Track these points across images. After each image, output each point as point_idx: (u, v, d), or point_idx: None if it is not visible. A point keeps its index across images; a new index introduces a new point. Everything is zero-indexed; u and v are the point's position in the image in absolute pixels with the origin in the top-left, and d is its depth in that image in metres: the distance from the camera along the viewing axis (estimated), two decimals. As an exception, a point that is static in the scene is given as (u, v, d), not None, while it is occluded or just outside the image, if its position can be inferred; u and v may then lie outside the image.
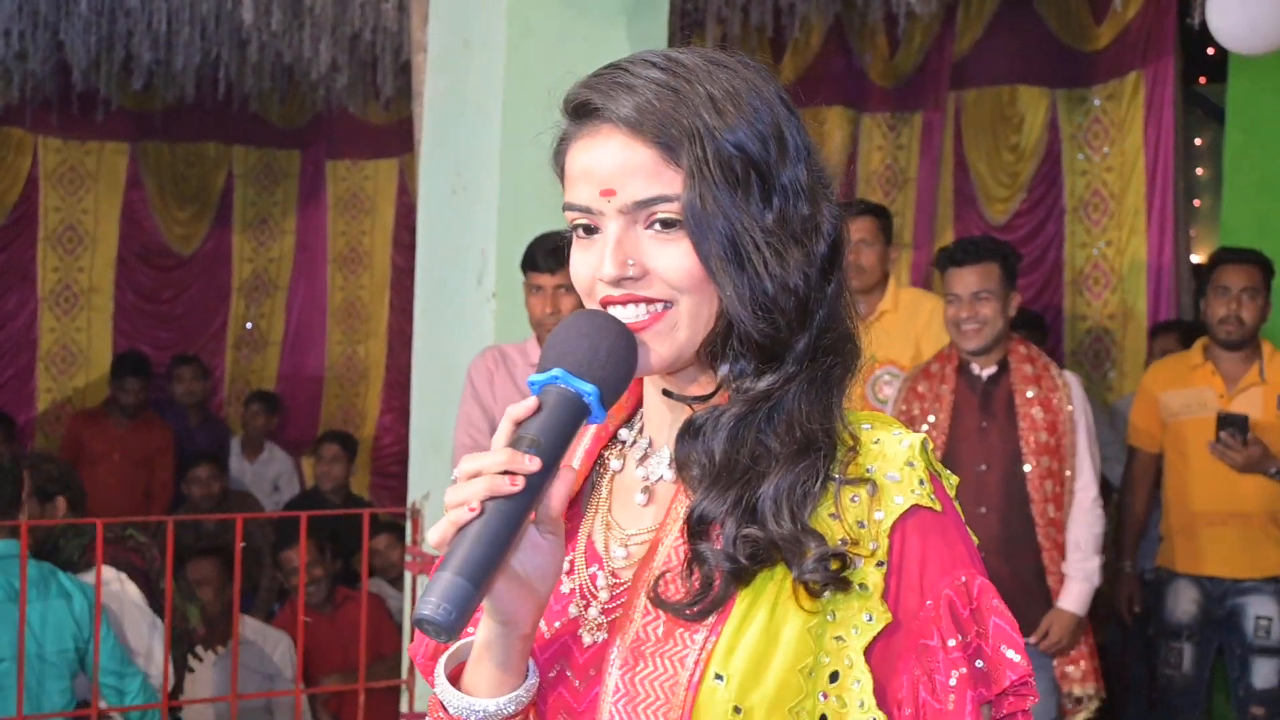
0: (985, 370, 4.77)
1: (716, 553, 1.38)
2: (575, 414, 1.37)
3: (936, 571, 1.39)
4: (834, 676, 1.36)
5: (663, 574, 1.42)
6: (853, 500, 1.40)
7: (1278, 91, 6.96)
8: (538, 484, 1.33)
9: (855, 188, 8.91)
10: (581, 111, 1.45)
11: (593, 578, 1.50)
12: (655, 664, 1.39)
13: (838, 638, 1.37)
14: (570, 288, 4.63)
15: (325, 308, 10.77)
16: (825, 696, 1.36)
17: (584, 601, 1.50)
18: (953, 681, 1.37)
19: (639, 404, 1.59)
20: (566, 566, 1.51)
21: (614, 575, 1.50)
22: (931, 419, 4.71)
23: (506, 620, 1.39)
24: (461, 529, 1.31)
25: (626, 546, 1.50)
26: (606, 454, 1.58)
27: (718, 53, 1.48)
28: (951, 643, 1.37)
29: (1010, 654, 1.40)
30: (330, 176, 10.70)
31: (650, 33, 4.87)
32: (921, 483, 1.41)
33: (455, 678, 1.47)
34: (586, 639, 1.47)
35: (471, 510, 1.30)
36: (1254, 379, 5.41)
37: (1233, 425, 5.19)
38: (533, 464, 1.32)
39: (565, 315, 4.66)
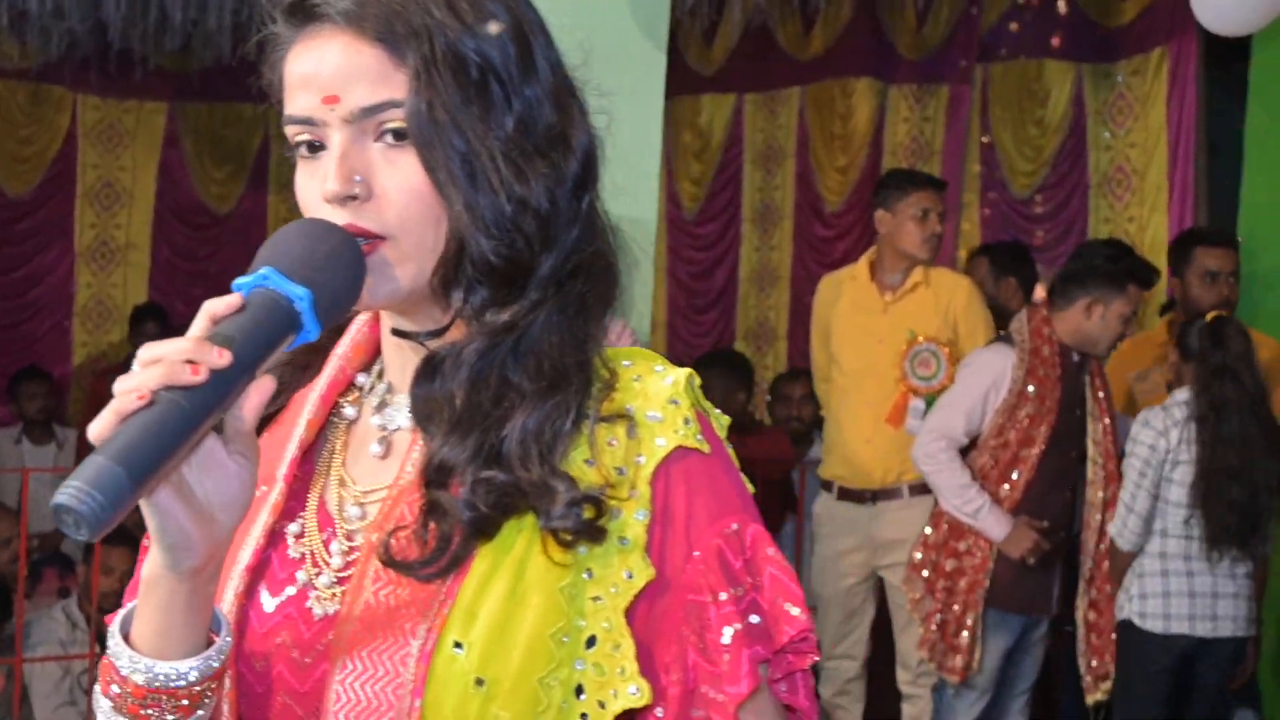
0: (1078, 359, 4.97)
1: (455, 501, 1.23)
2: (281, 318, 1.19)
3: (705, 520, 1.25)
4: (591, 641, 1.22)
5: (395, 531, 1.26)
6: (610, 444, 1.26)
7: (1298, 70, 6.93)
8: (226, 386, 1.14)
9: (881, 159, 8.95)
10: (297, 11, 1.29)
11: (326, 542, 1.34)
12: (386, 636, 1.24)
13: (595, 598, 1.23)
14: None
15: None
16: (582, 664, 1.23)
17: (315, 569, 1.33)
18: (726, 640, 1.23)
19: (379, 348, 1.41)
20: (297, 530, 1.35)
21: (349, 539, 1.33)
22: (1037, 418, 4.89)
23: (175, 545, 1.18)
24: (126, 419, 1.10)
25: (362, 505, 1.34)
26: (342, 402, 1.41)
27: None
28: (723, 596, 1.24)
29: (788, 607, 1.25)
30: (369, 137, 10.78)
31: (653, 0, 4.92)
32: (687, 422, 1.27)
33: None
34: (316, 611, 1.30)
35: (140, 399, 1.10)
36: None
37: None
38: (221, 358, 1.13)
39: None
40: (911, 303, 5.42)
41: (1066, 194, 8.31)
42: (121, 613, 1.26)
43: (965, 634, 4.89)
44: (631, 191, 4.93)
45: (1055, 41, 8.24)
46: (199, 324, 1.17)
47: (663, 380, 1.29)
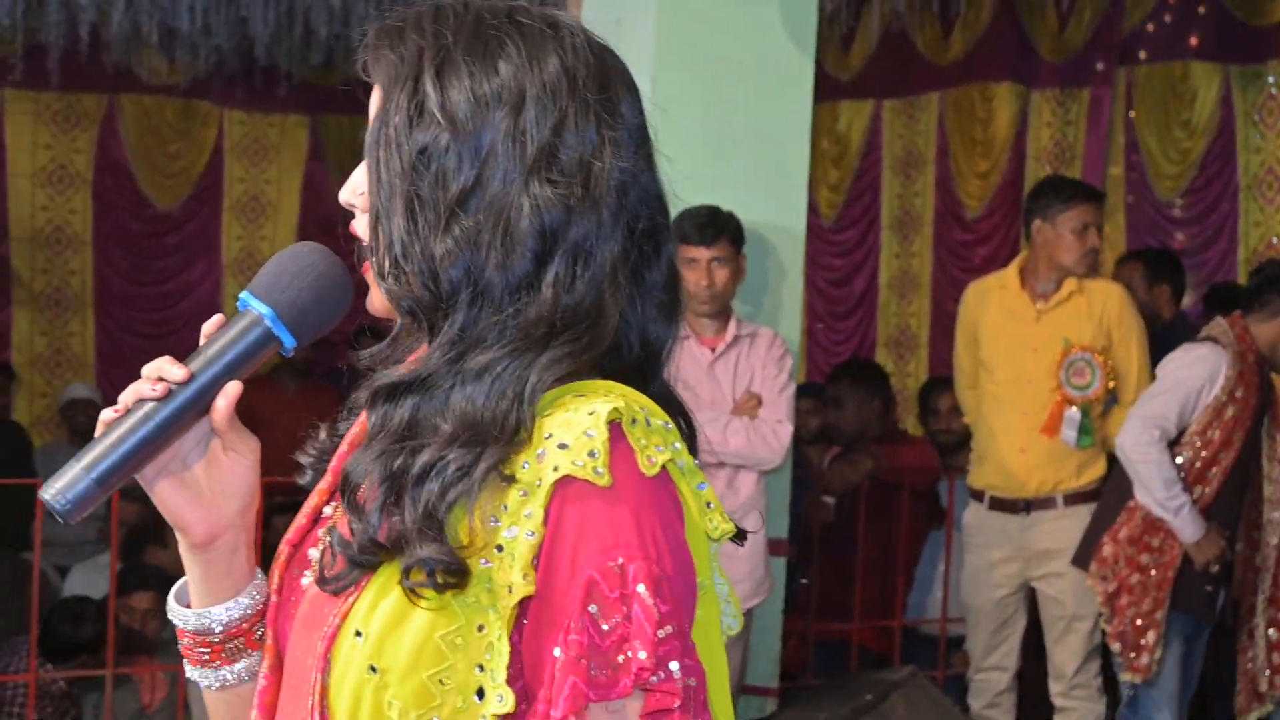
0: None
1: (340, 539, 1.35)
2: (251, 333, 1.41)
3: (592, 550, 1.28)
4: (490, 649, 1.30)
5: (325, 549, 1.40)
6: (524, 467, 1.30)
7: None
8: (192, 395, 1.38)
9: (1023, 164, 8.86)
10: None
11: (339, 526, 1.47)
12: (318, 616, 1.37)
13: (492, 608, 1.30)
14: (724, 260, 4.69)
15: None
16: (481, 668, 1.30)
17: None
18: (558, 667, 1.27)
19: None
20: (330, 512, 1.48)
21: None
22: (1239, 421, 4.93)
23: (177, 526, 1.44)
24: (107, 426, 1.37)
25: None
26: None
27: (523, 14, 1.39)
28: (572, 625, 1.27)
29: (636, 645, 1.26)
30: (507, 149, 10.87)
31: (801, 8, 4.92)
32: (593, 454, 1.29)
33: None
34: (305, 579, 1.45)
35: (116, 411, 1.37)
36: None
37: None
38: (176, 372, 1.37)
39: (718, 288, 4.75)
40: (1065, 311, 5.34)
41: (1214, 197, 8.17)
42: (179, 582, 1.51)
43: (1153, 632, 4.87)
44: (779, 199, 4.97)
45: (1201, 42, 8.10)
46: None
47: (586, 412, 1.31)
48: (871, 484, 6.33)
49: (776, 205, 4.96)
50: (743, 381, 4.75)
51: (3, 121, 9.67)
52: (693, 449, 1.42)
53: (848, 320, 9.81)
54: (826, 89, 9.24)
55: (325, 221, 10.51)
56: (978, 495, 5.51)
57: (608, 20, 4.88)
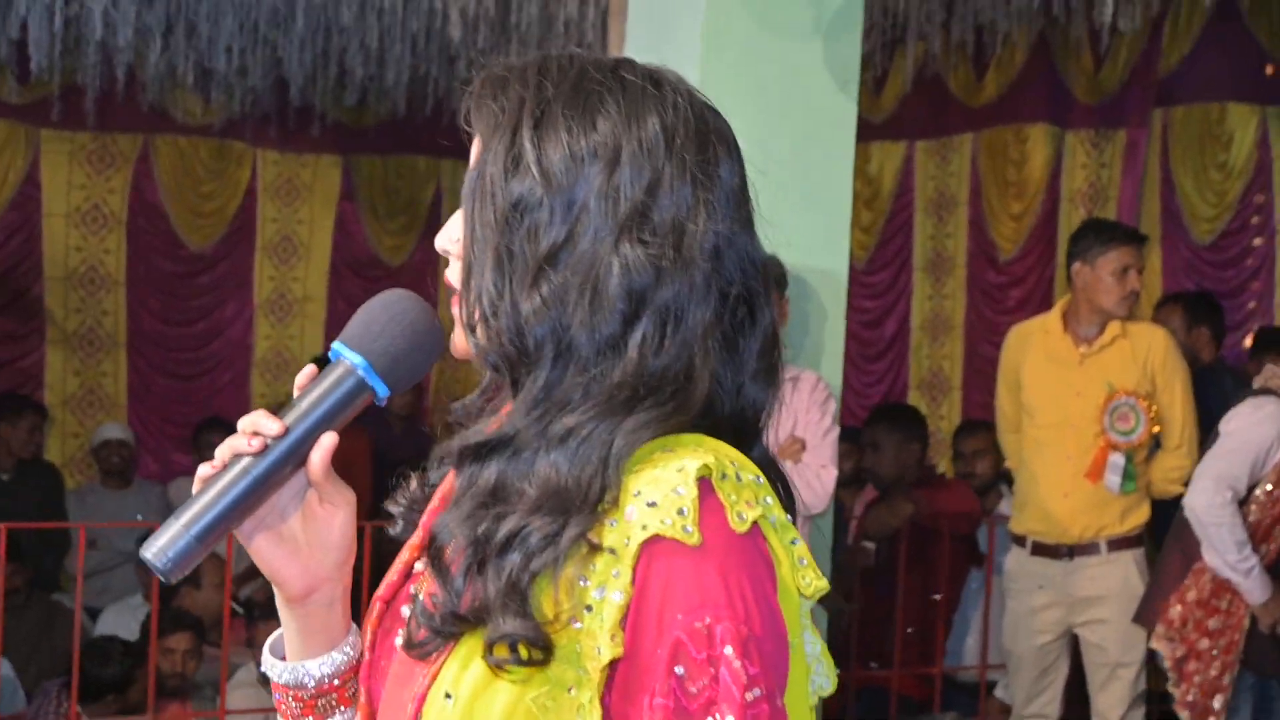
0: None
1: (423, 610, 1.32)
2: (345, 384, 1.40)
3: (678, 611, 1.24)
4: (581, 710, 1.27)
5: (411, 616, 1.37)
6: (611, 525, 1.27)
7: None
8: (288, 448, 1.37)
9: (1058, 206, 8.83)
10: None
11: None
12: (409, 675, 1.35)
13: (582, 669, 1.27)
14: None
15: (530, 318, 10.93)
16: None
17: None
18: None
19: None
20: (421, 568, 1.44)
21: None
22: None
23: (273, 579, 1.43)
24: (205, 482, 1.37)
25: None
26: None
27: (628, 69, 1.39)
28: (658, 688, 1.24)
29: (724, 708, 1.23)
30: (536, 191, 10.87)
31: (844, 51, 4.90)
32: (681, 512, 1.26)
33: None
34: (398, 639, 1.40)
35: (214, 467, 1.37)
36: None
37: None
38: (271, 426, 1.37)
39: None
40: (1109, 355, 5.31)
41: (1250, 239, 8.13)
42: (275, 634, 1.50)
43: (1220, 696, 4.80)
44: (822, 242, 4.94)
45: (1238, 84, 8.07)
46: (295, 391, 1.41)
47: (675, 469, 1.28)
48: (911, 528, 6.28)
49: (819, 247, 4.93)
50: (785, 426, 4.72)
51: (38, 161, 9.70)
52: (789, 508, 1.39)
53: (879, 362, 9.76)
54: (859, 130, 9.21)
55: (356, 262, 10.56)
56: (1020, 540, 5.47)
57: (650, 60, 4.86)
